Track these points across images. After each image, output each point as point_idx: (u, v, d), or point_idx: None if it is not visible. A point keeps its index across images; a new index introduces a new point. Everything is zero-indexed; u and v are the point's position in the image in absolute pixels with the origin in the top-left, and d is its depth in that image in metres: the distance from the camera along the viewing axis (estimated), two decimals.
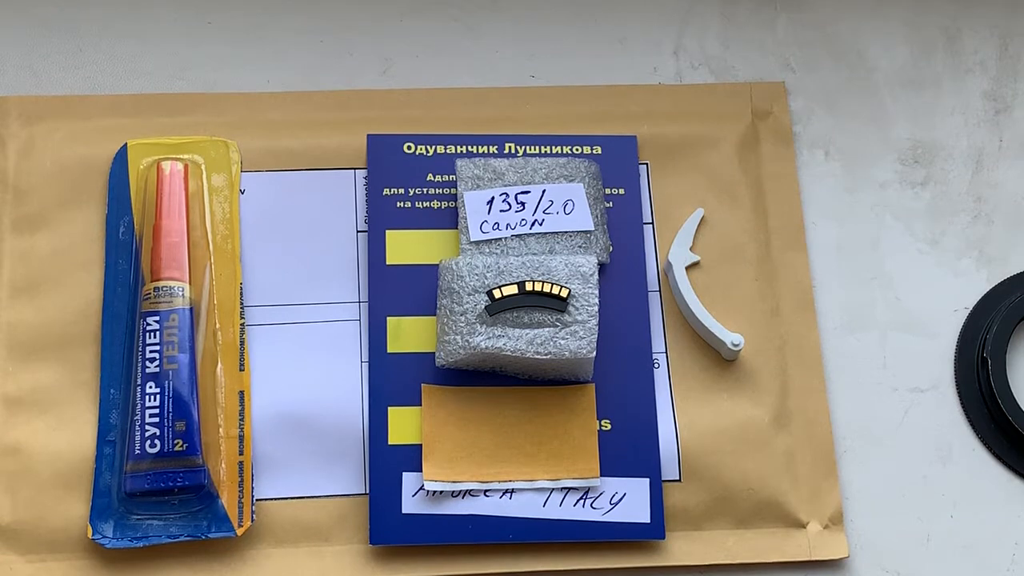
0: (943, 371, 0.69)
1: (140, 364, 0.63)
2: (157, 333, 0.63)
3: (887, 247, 0.71)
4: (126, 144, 0.68)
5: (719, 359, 0.67)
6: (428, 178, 0.68)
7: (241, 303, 0.66)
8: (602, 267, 0.67)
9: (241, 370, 0.64)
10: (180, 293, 0.64)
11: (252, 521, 0.62)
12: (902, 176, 0.73)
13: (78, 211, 0.67)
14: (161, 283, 0.63)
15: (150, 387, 0.62)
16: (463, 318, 0.62)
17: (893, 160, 0.73)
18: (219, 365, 0.64)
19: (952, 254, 0.71)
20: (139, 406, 0.62)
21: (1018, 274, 0.71)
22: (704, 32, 0.75)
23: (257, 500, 0.63)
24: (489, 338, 0.62)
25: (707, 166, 0.71)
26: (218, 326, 0.65)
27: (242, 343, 0.65)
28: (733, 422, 0.66)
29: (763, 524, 0.65)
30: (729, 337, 0.66)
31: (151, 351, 0.63)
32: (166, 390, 0.62)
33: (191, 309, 0.64)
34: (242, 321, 0.65)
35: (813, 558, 0.65)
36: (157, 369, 0.62)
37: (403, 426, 0.64)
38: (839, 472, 0.67)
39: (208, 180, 0.67)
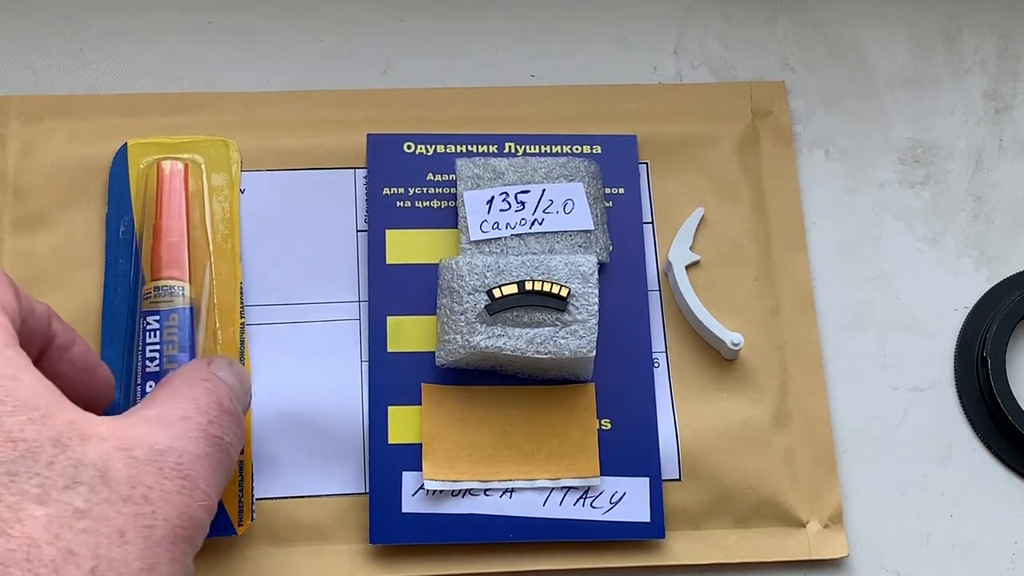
0: (943, 371, 0.69)
1: (140, 363, 0.63)
2: (157, 332, 0.63)
3: (887, 247, 0.71)
4: (126, 143, 0.68)
5: (719, 358, 0.67)
6: (428, 177, 0.68)
7: (241, 302, 0.66)
8: (602, 266, 0.67)
9: None
10: (180, 292, 0.63)
11: (252, 520, 0.62)
12: (902, 176, 0.73)
13: (78, 211, 0.67)
14: (161, 282, 0.63)
15: (150, 386, 0.62)
16: (463, 317, 0.62)
17: (893, 160, 0.73)
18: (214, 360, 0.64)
19: (952, 254, 0.71)
20: None
21: (1018, 274, 0.71)
22: (704, 32, 0.75)
23: (257, 499, 0.63)
24: (489, 337, 0.62)
25: (707, 165, 0.71)
26: (218, 325, 0.65)
27: (242, 342, 0.65)
28: (733, 421, 0.66)
29: (763, 523, 0.65)
30: (729, 336, 0.66)
31: (151, 350, 0.63)
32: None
33: (191, 308, 0.64)
34: (242, 320, 0.65)
35: (813, 557, 0.65)
36: (157, 368, 0.62)
37: (403, 425, 0.64)
38: (839, 471, 0.67)
39: (208, 179, 0.67)
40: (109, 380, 0.59)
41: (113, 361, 0.64)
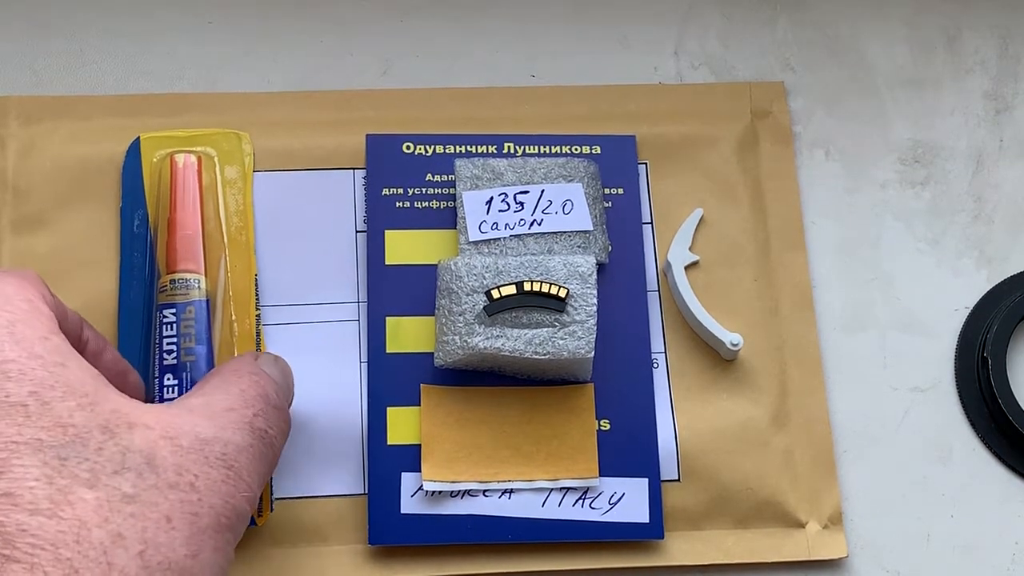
0: (943, 371, 0.69)
1: (158, 356, 0.63)
2: (174, 325, 0.63)
3: (887, 247, 0.71)
4: (139, 137, 0.68)
5: (718, 359, 0.67)
6: (427, 178, 0.68)
7: (256, 294, 0.66)
8: (601, 267, 0.67)
9: None
10: (196, 285, 0.63)
11: (272, 511, 0.63)
12: (902, 176, 0.72)
13: (78, 211, 0.67)
14: (177, 275, 0.63)
15: (168, 379, 0.62)
16: (461, 318, 0.62)
17: (893, 160, 0.73)
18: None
19: (952, 254, 0.71)
20: (156, 399, 0.62)
21: (1018, 274, 0.71)
22: (704, 32, 0.75)
23: None
24: (487, 338, 0.62)
25: (706, 166, 0.71)
26: (234, 317, 0.65)
27: (258, 333, 0.65)
28: (732, 422, 0.66)
29: (762, 524, 0.65)
30: (728, 337, 0.66)
31: (168, 343, 0.63)
32: (184, 382, 0.62)
33: (207, 301, 0.64)
34: (257, 312, 0.65)
35: (812, 558, 0.65)
36: (175, 361, 0.62)
37: (402, 426, 0.64)
38: (839, 472, 0.67)
39: (221, 172, 0.67)
40: (140, 385, 0.60)
41: (130, 354, 0.64)
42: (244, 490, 0.50)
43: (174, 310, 0.63)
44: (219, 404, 0.52)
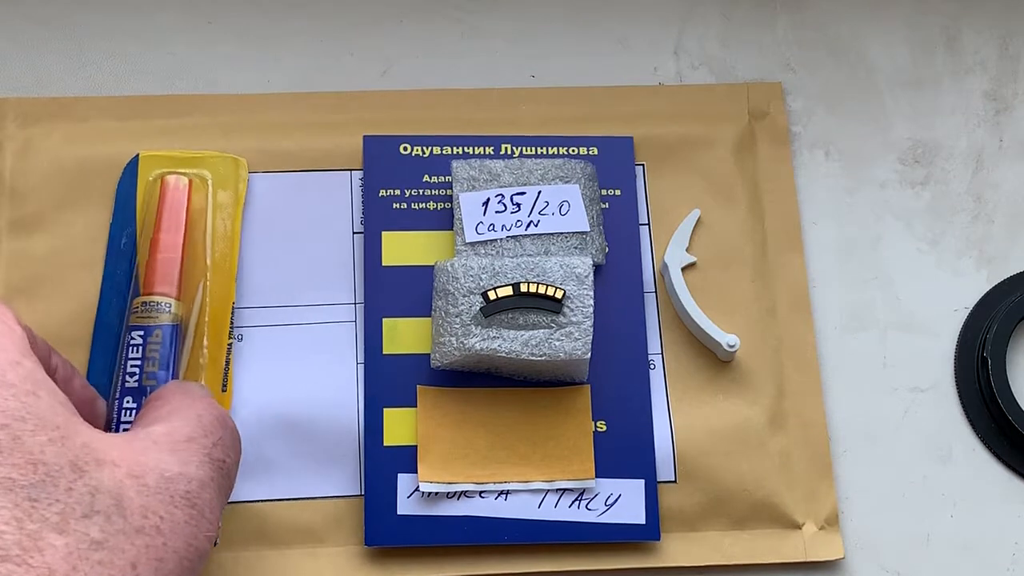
0: (943, 371, 0.69)
1: (120, 378, 0.62)
2: (140, 348, 0.62)
3: (887, 247, 0.71)
4: (138, 155, 0.68)
5: (715, 360, 0.67)
6: (424, 179, 0.68)
7: (231, 323, 0.65)
8: (598, 268, 0.67)
9: (223, 391, 0.64)
10: (167, 309, 0.63)
11: (216, 544, 0.58)
12: (902, 176, 0.72)
13: (75, 213, 0.67)
14: (150, 298, 0.63)
15: (127, 401, 0.61)
16: (458, 319, 0.62)
17: (893, 160, 0.73)
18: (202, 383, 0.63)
19: (952, 254, 0.71)
20: (115, 420, 0.61)
21: (1018, 274, 0.71)
22: (704, 32, 0.75)
23: (253, 501, 0.63)
24: (484, 340, 0.62)
25: (704, 167, 0.71)
26: (206, 344, 0.64)
27: (227, 363, 0.65)
28: (729, 423, 0.66)
29: (759, 525, 0.65)
30: (725, 338, 0.66)
31: (132, 365, 0.62)
32: (142, 406, 0.61)
33: (175, 326, 0.63)
34: (230, 341, 0.65)
35: (809, 559, 0.65)
36: (136, 384, 0.62)
37: (398, 427, 0.64)
38: (839, 472, 0.67)
39: (214, 196, 0.67)
40: (104, 414, 0.60)
41: (101, 371, 0.64)
42: (206, 529, 0.49)
43: (142, 332, 0.63)
44: (180, 433, 0.51)
